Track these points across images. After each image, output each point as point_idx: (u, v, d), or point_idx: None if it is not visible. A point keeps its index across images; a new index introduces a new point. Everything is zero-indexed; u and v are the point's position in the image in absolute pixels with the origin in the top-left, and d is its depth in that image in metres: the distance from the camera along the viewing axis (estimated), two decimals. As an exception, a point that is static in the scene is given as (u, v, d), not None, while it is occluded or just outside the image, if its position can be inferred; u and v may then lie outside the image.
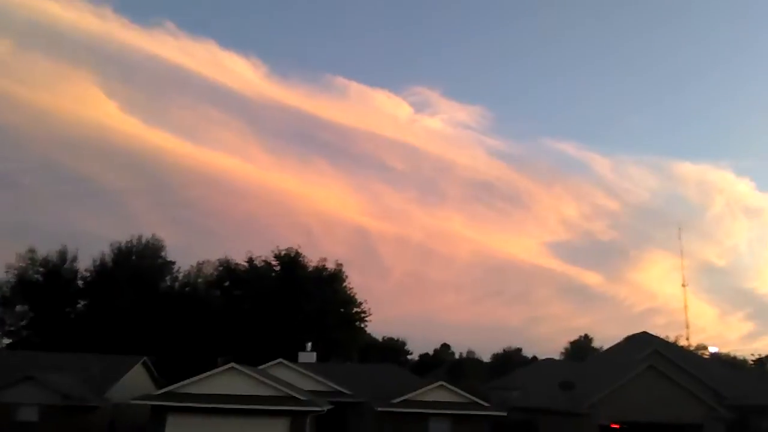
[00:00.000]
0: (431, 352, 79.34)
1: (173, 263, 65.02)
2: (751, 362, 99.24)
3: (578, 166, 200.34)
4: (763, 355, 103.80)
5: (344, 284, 63.59)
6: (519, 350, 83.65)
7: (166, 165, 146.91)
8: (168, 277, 64.35)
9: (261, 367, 36.24)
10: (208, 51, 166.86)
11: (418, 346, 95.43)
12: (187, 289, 63.63)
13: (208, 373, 30.51)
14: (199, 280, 65.65)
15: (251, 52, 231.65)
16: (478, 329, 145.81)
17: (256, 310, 57.47)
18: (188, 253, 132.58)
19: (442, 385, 36.00)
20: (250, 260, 62.87)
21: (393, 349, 73.41)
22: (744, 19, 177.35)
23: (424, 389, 35.86)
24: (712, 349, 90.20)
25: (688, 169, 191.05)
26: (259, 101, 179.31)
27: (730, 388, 38.94)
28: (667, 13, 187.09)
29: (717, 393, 37.35)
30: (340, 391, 36.98)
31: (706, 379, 38.76)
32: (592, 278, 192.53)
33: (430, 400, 35.21)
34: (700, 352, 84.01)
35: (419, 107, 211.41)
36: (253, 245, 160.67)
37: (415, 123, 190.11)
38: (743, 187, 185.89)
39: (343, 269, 64.35)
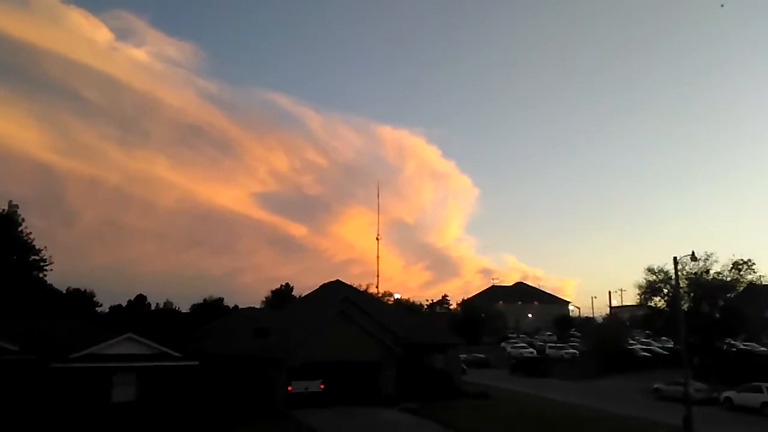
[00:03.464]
0: (125, 304, 74.16)
1: None
2: (426, 307, 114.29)
3: (291, 120, 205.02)
4: (434, 301, 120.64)
5: (19, 228, 55.10)
6: (221, 300, 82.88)
7: None
8: None
9: None
10: None
11: (111, 297, 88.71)
12: None
13: None
14: None
15: None
16: (179, 279, 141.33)
17: None
18: None
19: (130, 338, 33.60)
20: None
21: (79, 301, 66.53)
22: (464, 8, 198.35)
23: (109, 342, 33.10)
24: (397, 296, 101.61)
25: (388, 133, 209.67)
26: None
27: (406, 329, 43.61)
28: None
29: (394, 334, 41.48)
30: (4, 348, 31.96)
31: (387, 322, 42.78)
32: (297, 230, 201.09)
33: (116, 353, 32.72)
34: (386, 298, 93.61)
35: (122, 34, 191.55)
36: None
37: (116, 51, 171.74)
38: (432, 154, 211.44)
39: (19, 211, 55.68)
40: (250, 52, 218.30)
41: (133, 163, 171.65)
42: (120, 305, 73.58)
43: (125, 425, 29.70)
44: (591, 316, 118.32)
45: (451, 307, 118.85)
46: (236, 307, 76.35)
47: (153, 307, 78.49)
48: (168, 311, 77.51)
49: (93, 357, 32.03)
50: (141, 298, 76.44)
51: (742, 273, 53.59)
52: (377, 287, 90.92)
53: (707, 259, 53.15)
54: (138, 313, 67.92)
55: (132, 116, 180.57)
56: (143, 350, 33.65)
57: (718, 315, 53.69)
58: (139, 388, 32.75)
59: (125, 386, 32.47)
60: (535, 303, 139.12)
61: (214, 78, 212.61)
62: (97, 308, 72.18)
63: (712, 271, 53.75)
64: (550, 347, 79.19)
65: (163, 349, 34.15)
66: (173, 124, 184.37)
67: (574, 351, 72.93)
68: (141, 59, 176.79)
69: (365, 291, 78.37)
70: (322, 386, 36.48)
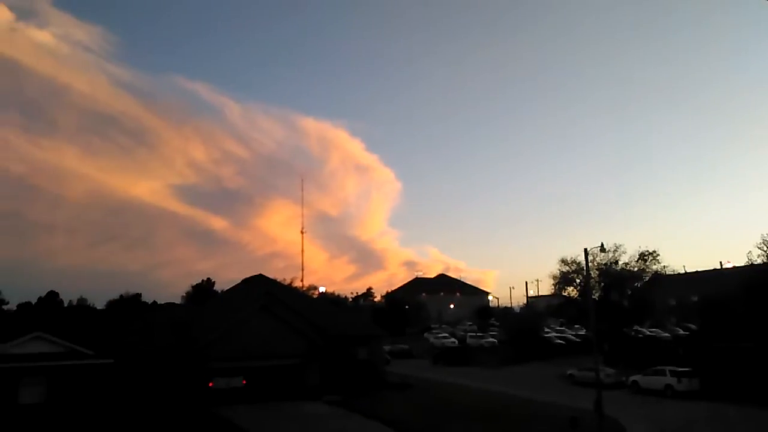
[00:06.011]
0: (35, 301, 70.68)
1: None
2: (350, 299, 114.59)
3: (210, 110, 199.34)
4: (359, 293, 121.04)
5: None
6: (138, 296, 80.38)
7: None
8: None
9: None
10: None
11: (19, 294, 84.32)
12: None
13: None
14: None
15: None
16: (94, 275, 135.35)
17: None
18: None
19: (38, 336, 32.10)
20: None
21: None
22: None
23: (15, 342, 31.52)
24: (321, 289, 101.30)
25: (311, 125, 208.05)
26: None
27: (330, 322, 43.68)
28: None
29: (319, 327, 41.46)
30: None
31: (311, 315, 42.72)
32: (217, 223, 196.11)
33: (24, 353, 31.21)
34: (310, 292, 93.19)
35: (23, 14, 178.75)
36: None
37: (17, 32, 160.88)
38: (355, 147, 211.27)
39: None
40: (166, 38, 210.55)
41: (39, 152, 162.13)
42: (29, 303, 70.18)
43: (33, 428, 28.35)
44: (509, 306, 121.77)
45: (375, 299, 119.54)
46: (155, 303, 74.36)
47: (66, 304, 75.28)
48: (82, 308, 74.56)
49: (-2, 357, 30.40)
50: (52, 295, 73.16)
51: (647, 263, 56.82)
52: (302, 281, 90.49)
53: (616, 251, 56.09)
54: (49, 311, 64.93)
55: (36, 102, 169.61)
56: (53, 349, 32.21)
57: (626, 303, 56.68)
58: (49, 388, 31.32)
59: (34, 387, 30.98)
60: (457, 294, 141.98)
61: (127, 64, 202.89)
62: (3, 306, 68.52)
63: (620, 262, 56.77)
64: (471, 337, 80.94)
65: (75, 347, 32.79)
66: (82, 112, 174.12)
67: (494, 340, 74.91)
68: (45, 41, 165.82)
69: (289, 285, 77.85)
70: (244, 381, 36.07)
